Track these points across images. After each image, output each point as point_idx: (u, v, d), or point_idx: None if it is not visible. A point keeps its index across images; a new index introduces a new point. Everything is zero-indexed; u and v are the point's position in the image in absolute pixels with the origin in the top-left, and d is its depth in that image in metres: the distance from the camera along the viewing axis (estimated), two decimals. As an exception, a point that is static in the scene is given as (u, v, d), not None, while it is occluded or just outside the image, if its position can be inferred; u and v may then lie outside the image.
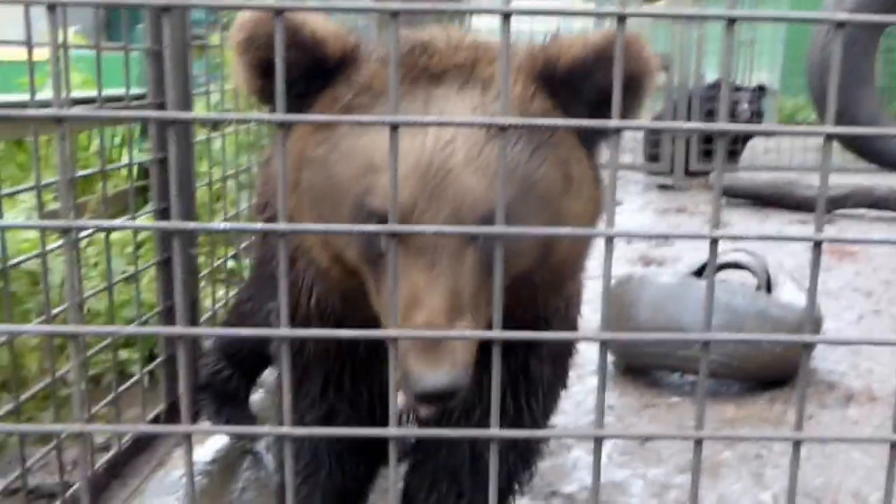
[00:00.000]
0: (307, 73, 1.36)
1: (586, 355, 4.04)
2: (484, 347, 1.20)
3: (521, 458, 1.87)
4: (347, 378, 1.73)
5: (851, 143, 9.34)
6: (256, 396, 3.16)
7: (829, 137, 0.84)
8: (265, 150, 2.80)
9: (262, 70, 1.33)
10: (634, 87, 1.36)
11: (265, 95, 1.38)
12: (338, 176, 1.34)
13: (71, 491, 2.30)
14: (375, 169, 1.29)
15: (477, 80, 1.38)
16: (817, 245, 0.86)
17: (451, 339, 1.19)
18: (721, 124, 0.85)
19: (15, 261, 2.18)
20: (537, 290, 1.52)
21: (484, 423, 1.62)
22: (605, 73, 1.32)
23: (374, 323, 1.37)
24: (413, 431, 0.87)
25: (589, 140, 1.47)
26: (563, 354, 1.91)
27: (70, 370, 2.28)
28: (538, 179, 1.35)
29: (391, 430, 0.91)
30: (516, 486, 1.91)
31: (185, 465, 0.92)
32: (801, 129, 0.86)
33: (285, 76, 0.85)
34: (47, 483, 2.49)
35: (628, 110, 1.39)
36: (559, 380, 1.92)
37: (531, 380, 1.73)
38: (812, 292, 0.87)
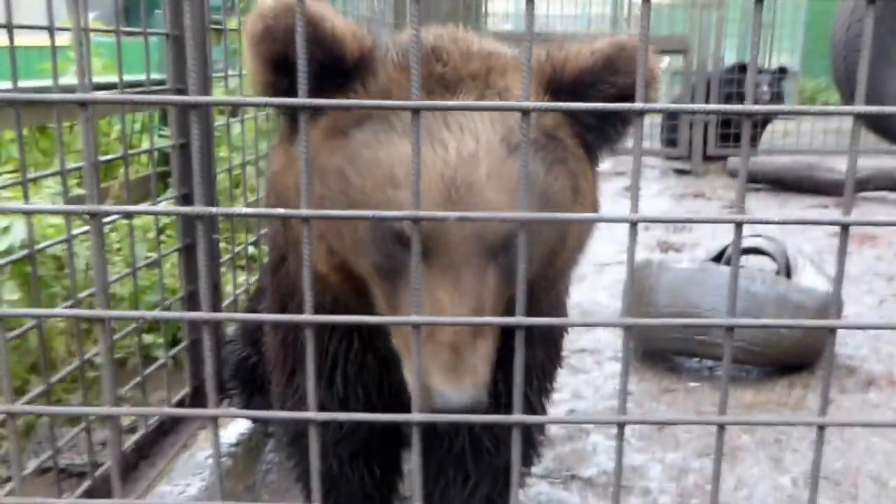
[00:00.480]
0: (322, 71, 1.29)
1: (604, 341, 4.04)
2: None
3: (524, 442, 1.89)
4: (340, 377, 1.70)
5: (877, 124, 9.21)
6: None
7: (859, 117, 0.83)
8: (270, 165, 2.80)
9: (275, 64, 1.30)
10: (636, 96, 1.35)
11: (276, 91, 1.33)
12: (355, 188, 1.31)
13: (100, 471, 2.34)
14: (397, 184, 1.27)
15: (493, 91, 1.38)
16: (845, 229, 0.86)
17: (470, 347, 1.20)
18: (748, 105, 0.84)
19: (41, 245, 2.21)
20: (534, 291, 1.53)
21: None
22: (612, 82, 1.33)
23: (364, 328, 1.39)
24: (438, 417, 0.88)
25: (593, 152, 1.48)
26: (554, 337, 1.93)
27: (97, 353, 2.45)
28: (552, 193, 1.36)
29: (416, 416, 0.92)
30: (523, 469, 1.93)
31: (212, 446, 0.93)
32: (830, 109, 0.85)
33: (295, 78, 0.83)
34: (77, 463, 2.56)
35: (630, 118, 1.40)
36: (552, 362, 1.95)
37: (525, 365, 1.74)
38: (839, 276, 0.86)
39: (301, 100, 0.85)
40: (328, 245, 1.41)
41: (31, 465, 2.24)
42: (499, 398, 1.64)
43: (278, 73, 1.30)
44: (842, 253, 0.87)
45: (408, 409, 0.94)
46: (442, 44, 1.44)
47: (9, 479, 2.40)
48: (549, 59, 1.42)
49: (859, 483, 2.65)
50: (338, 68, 1.33)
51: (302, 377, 1.77)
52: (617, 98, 1.35)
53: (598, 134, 1.45)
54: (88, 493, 2.24)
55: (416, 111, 0.85)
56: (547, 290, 1.59)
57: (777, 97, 9.45)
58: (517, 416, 0.95)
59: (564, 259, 1.52)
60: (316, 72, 1.26)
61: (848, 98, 9.73)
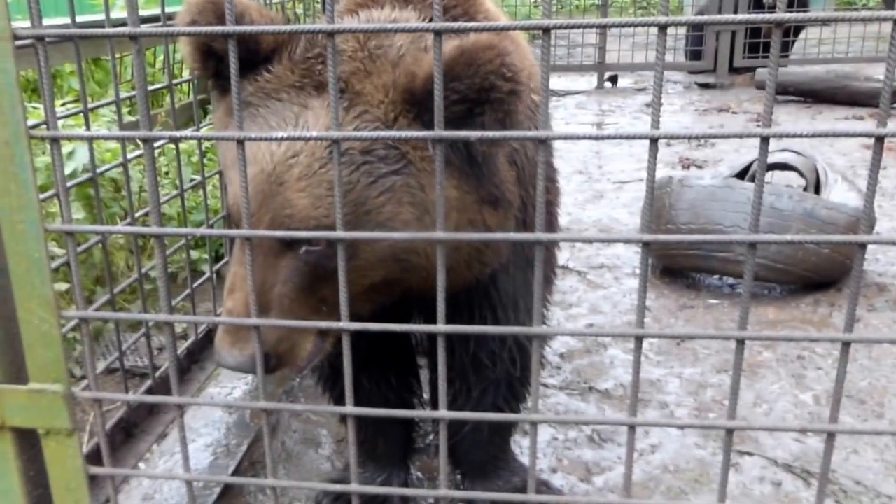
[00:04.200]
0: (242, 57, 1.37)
1: (623, 258, 4.03)
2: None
3: (520, 351, 1.97)
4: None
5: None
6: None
7: (897, 24, 0.79)
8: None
9: (203, 52, 1.48)
10: (496, 99, 1.29)
11: (205, 73, 1.54)
12: (224, 164, 1.57)
13: (159, 372, 2.60)
14: (227, 167, 1.53)
15: (347, 95, 1.41)
16: (879, 140, 0.83)
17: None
18: (777, 14, 0.80)
19: (101, 169, 2.39)
20: (460, 268, 1.59)
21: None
22: (453, 88, 1.27)
23: None
24: (462, 327, 0.96)
25: (468, 163, 1.43)
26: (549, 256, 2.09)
27: (153, 267, 2.67)
28: (376, 207, 1.39)
29: (440, 327, 0.96)
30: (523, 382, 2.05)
31: (256, 349, 1.06)
32: (867, 14, 0.81)
33: (219, 63, 1.07)
34: (139, 365, 2.87)
35: (483, 123, 1.31)
36: (549, 278, 2.17)
37: (500, 290, 1.81)
38: (871, 190, 0.84)
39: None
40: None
41: (101, 366, 2.54)
42: (485, 321, 1.80)
43: (206, 59, 1.50)
44: (875, 166, 0.84)
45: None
46: (345, 41, 1.49)
47: (83, 378, 2.66)
48: (404, 69, 1.41)
49: (886, 402, 2.66)
50: (255, 55, 1.47)
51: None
52: (462, 103, 1.30)
53: (454, 149, 1.41)
54: (149, 391, 2.53)
55: (240, 142, 0.94)
56: (480, 259, 1.63)
57: (805, 3, 9.12)
58: (536, 329, 0.96)
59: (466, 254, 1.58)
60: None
61: (889, 1, 9.35)
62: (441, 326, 0.96)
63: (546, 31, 0.86)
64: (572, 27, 0.86)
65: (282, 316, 1.41)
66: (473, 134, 0.91)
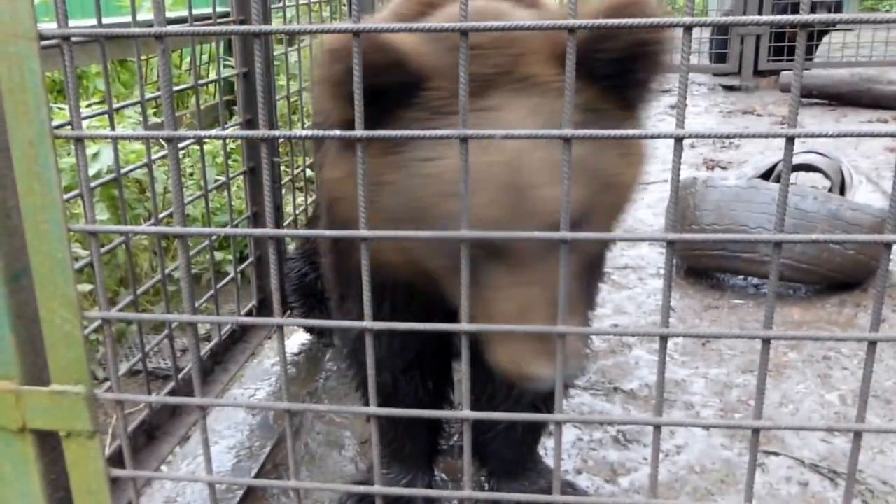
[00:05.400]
0: (386, 94, 1.31)
1: (648, 258, 4.02)
2: None
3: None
4: (388, 306, 1.76)
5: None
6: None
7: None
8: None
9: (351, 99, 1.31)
10: (648, 54, 1.30)
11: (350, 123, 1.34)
12: (417, 201, 1.35)
13: (182, 374, 2.57)
14: (455, 196, 1.29)
15: (524, 85, 1.35)
16: (903, 140, 0.82)
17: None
18: (802, 16, 0.80)
19: (126, 169, 2.36)
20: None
21: None
22: (616, 41, 1.28)
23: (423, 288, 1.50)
24: (485, 327, 0.96)
25: (633, 104, 1.43)
26: (599, 255, 2.00)
27: (176, 268, 2.67)
28: (603, 168, 1.37)
29: (465, 326, 0.98)
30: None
31: (277, 353, 1.04)
32: (893, 16, 0.81)
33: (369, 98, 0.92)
34: (162, 367, 2.86)
35: (646, 80, 1.34)
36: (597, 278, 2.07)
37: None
38: None
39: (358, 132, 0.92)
40: (399, 245, 1.44)
41: (123, 367, 2.50)
42: None
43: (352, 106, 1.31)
44: (898, 166, 0.84)
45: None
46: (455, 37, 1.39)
47: (106, 380, 2.66)
48: (535, 39, 1.38)
49: (909, 401, 2.63)
50: (403, 88, 1.34)
51: (351, 302, 1.89)
52: (624, 56, 1.30)
53: (630, 89, 1.40)
54: (172, 393, 2.49)
55: (463, 140, 0.91)
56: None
57: (835, 7, 9.03)
58: (560, 328, 0.97)
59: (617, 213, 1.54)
60: (382, 95, 1.30)
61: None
62: (465, 325, 0.97)
63: (571, 30, 0.87)
64: (597, 27, 0.86)
65: (579, 314, 1.37)
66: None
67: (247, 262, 3.15)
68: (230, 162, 3.13)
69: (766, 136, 0.90)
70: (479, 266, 1.33)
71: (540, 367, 1.29)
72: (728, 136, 0.90)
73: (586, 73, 1.30)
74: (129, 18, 2.29)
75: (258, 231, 0.99)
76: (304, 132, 0.98)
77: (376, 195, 1.35)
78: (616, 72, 1.32)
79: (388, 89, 1.30)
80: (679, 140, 0.88)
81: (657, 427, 1.00)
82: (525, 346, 1.30)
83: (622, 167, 1.42)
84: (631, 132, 1.41)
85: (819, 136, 0.86)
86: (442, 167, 1.32)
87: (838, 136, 0.86)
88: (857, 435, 0.97)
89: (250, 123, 2.94)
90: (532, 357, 1.30)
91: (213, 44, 3.72)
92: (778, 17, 0.86)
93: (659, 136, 0.91)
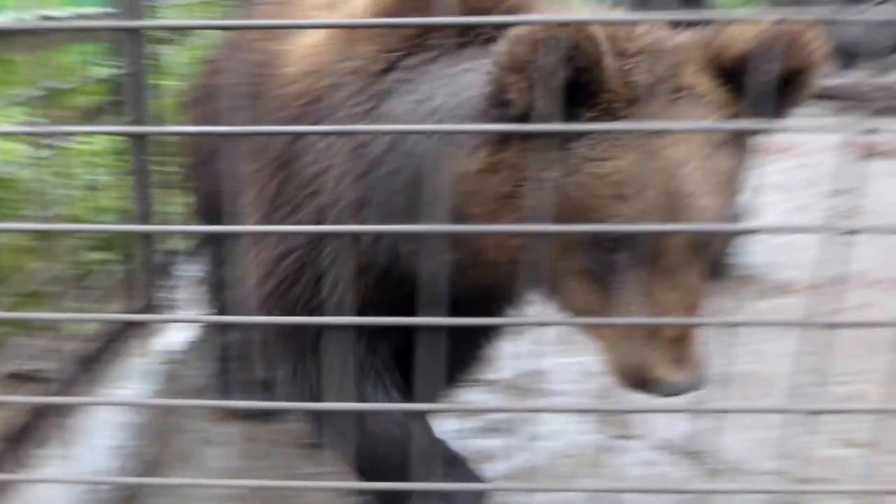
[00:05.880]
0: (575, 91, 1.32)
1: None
2: None
3: None
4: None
5: None
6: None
7: None
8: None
9: (551, 89, 1.27)
10: (798, 80, 1.40)
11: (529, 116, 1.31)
12: (577, 200, 1.35)
13: (52, 374, 2.40)
14: (624, 198, 1.32)
15: (685, 94, 1.40)
16: None
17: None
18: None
19: None
20: None
21: None
22: (774, 66, 1.34)
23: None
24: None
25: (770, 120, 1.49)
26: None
27: (46, 269, 2.43)
28: (737, 177, 1.46)
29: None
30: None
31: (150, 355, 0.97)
32: None
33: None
34: (42, 370, 2.61)
35: (790, 103, 1.43)
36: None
37: None
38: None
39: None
40: (506, 241, 1.45)
41: None
42: None
43: (547, 97, 1.28)
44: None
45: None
46: (622, 42, 1.40)
47: None
48: (710, 41, 1.45)
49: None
50: (595, 86, 1.35)
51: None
52: (779, 81, 1.36)
53: (776, 108, 1.45)
54: (40, 394, 2.34)
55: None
56: None
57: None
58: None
59: None
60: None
61: None
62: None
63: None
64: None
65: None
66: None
67: (130, 265, 3.02)
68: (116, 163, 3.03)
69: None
70: (615, 269, 1.36)
71: (671, 373, 1.35)
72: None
73: (736, 88, 1.40)
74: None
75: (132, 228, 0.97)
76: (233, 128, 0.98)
77: (522, 190, 1.37)
78: (766, 90, 1.36)
79: (582, 86, 1.32)
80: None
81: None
82: (653, 354, 1.36)
83: (745, 168, 1.49)
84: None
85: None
86: (611, 168, 1.33)
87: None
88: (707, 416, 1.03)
89: (137, 123, 2.90)
90: (664, 364, 1.35)
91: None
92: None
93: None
